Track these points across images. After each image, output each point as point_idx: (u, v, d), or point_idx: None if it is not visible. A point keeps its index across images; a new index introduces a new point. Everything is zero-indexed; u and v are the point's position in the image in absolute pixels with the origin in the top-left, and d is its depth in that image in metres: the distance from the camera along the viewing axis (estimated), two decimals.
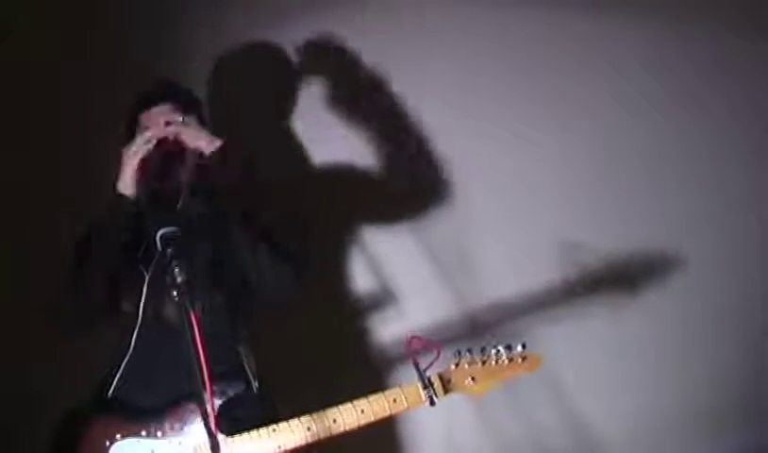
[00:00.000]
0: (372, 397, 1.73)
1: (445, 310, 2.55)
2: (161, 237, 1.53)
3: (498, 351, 1.74)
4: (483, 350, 1.74)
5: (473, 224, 2.57)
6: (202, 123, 2.00)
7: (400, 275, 2.54)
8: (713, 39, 2.63)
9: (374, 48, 2.44)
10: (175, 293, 1.48)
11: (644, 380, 2.68)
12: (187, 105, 1.97)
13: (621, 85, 2.61)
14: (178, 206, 1.91)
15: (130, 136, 1.90)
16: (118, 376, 1.84)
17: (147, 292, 1.83)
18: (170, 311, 1.78)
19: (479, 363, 1.73)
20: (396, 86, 2.47)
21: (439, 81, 2.51)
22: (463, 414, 2.48)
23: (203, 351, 1.44)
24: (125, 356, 1.85)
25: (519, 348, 1.75)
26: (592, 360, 2.61)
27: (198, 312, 1.47)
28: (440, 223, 2.54)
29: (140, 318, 1.83)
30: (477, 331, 2.54)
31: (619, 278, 2.61)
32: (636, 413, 2.68)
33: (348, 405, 1.73)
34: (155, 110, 1.91)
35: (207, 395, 1.44)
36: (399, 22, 2.46)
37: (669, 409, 2.70)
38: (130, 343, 1.84)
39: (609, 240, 2.63)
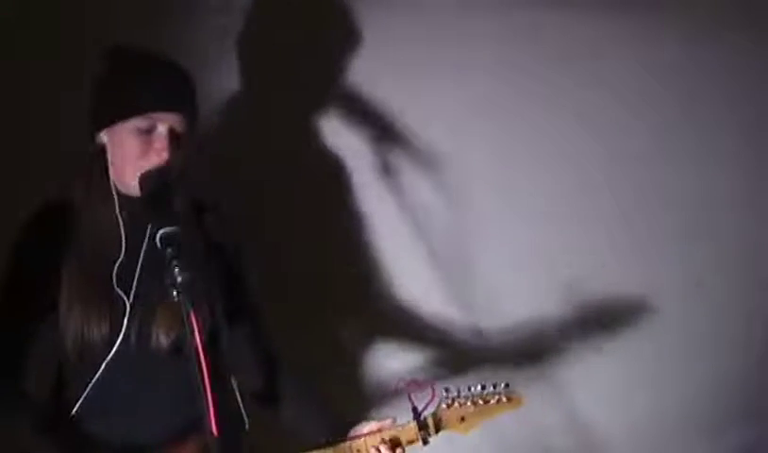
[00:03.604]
0: (369, 438, 1.76)
1: (445, 314, 2.55)
2: (161, 237, 1.52)
3: (484, 391, 1.80)
4: (469, 389, 1.80)
5: (475, 227, 2.57)
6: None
7: (402, 279, 2.54)
8: (714, 38, 2.63)
9: (372, 47, 2.44)
10: (175, 293, 1.46)
11: (645, 380, 2.68)
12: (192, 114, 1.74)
13: (622, 86, 2.62)
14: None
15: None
16: (80, 402, 1.69)
17: (130, 321, 1.67)
18: (161, 340, 1.70)
19: (469, 404, 1.79)
20: (395, 85, 2.47)
21: (439, 81, 2.51)
22: None
23: (203, 352, 1.44)
24: (88, 382, 1.67)
25: (502, 387, 1.81)
26: (593, 361, 2.61)
27: (198, 313, 1.46)
28: (442, 226, 2.54)
29: (114, 347, 1.67)
30: (479, 338, 2.55)
31: (620, 278, 2.61)
32: (637, 413, 2.68)
33: (344, 445, 1.76)
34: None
35: (207, 396, 1.43)
36: (398, 21, 2.46)
37: (670, 409, 2.70)
38: (96, 370, 1.67)
39: (610, 242, 2.63)
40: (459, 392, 1.79)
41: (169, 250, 1.49)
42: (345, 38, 2.41)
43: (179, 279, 1.46)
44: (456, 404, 1.78)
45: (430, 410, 1.78)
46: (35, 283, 1.69)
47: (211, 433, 1.44)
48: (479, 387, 1.79)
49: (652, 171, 2.68)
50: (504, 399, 1.80)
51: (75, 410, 1.69)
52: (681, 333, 2.72)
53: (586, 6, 2.53)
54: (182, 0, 2.23)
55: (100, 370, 1.67)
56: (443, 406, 1.79)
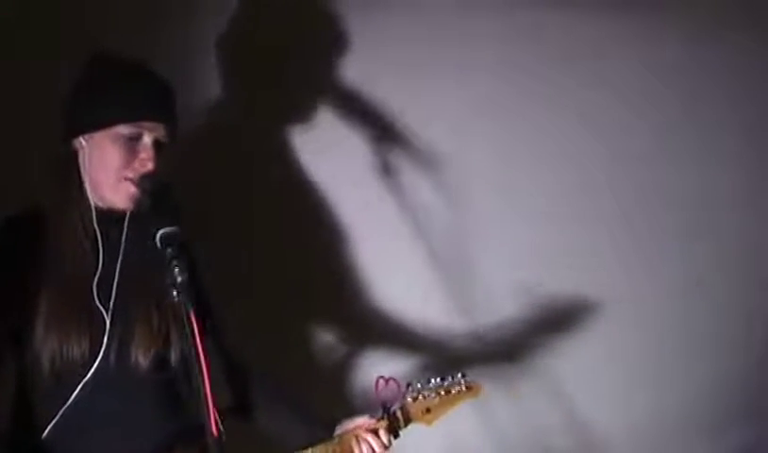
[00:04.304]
0: (342, 437, 1.81)
1: (445, 315, 2.55)
2: (161, 237, 1.51)
3: (444, 383, 1.88)
4: (429, 382, 1.88)
5: (475, 227, 2.56)
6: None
7: (401, 279, 2.54)
8: (716, 39, 2.63)
9: (373, 47, 2.44)
10: (175, 293, 1.46)
11: (646, 380, 2.68)
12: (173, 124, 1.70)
13: (624, 86, 2.61)
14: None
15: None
16: (53, 423, 1.62)
17: (110, 338, 1.63)
18: (140, 359, 1.66)
19: (433, 395, 1.87)
20: (395, 85, 2.46)
21: (440, 81, 2.51)
22: (464, 414, 2.47)
23: (204, 352, 1.44)
24: (62, 403, 1.61)
25: (460, 377, 1.89)
26: (594, 360, 2.61)
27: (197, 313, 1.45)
28: (442, 226, 2.54)
29: (96, 364, 1.62)
30: (477, 336, 2.55)
31: (623, 282, 2.61)
32: (637, 413, 2.68)
33: (320, 446, 1.80)
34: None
35: (207, 396, 1.43)
36: (398, 21, 2.45)
37: (670, 409, 2.70)
38: (72, 390, 1.61)
39: (611, 241, 2.63)
40: (421, 385, 1.87)
41: (169, 250, 1.49)
42: (343, 38, 2.41)
43: (179, 279, 1.46)
44: (420, 397, 1.86)
45: (397, 404, 1.86)
46: (4, 294, 1.62)
47: (211, 434, 1.44)
48: (439, 379, 1.88)
49: (653, 170, 2.68)
50: (464, 389, 1.89)
51: (46, 432, 1.62)
52: (681, 333, 2.72)
53: (588, 6, 2.53)
54: (181, 1, 2.22)
55: (77, 389, 1.61)
56: (409, 399, 1.86)
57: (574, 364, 2.61)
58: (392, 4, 2.43)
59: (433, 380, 1.88)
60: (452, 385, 1.88)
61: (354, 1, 2.40)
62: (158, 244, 1.51)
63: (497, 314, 2.57)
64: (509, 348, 2.56)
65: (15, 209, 1.70)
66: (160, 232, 1.52)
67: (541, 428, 2.63)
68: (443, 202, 2.53)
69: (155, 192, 1.62)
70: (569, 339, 2.58)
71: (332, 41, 2.42)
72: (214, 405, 1.43)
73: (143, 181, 1.63)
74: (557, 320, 2.57)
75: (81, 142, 1.66)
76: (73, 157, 1.68)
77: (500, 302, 2.56)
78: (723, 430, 2.78)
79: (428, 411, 1.87)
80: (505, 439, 2.59)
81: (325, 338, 2.48)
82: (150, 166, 1.64)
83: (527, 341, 2.57)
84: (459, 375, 1.89)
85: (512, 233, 2.59)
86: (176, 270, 1.47)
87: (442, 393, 1.87)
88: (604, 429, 2.68)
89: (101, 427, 1.64)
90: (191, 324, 1.44)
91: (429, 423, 1.88)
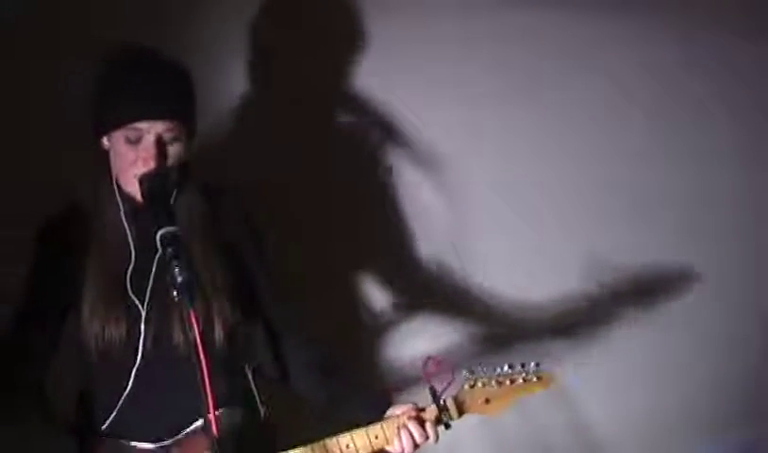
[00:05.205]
0: (385, 423, 1.70)
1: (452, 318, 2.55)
2: (161, 237, 1.52)
3: (511, 371, 1.71)
4: (495, 369, 1.70)
5: (474, 227, 2.56)
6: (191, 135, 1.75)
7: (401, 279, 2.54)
8: (714, 39, 2.63)
9: (373, 47, 2.44)
10: (175, 293, 1.47)
11: (646, 379, 2.68)
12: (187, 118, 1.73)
13: (623, 86, 2.62)
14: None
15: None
16: (114, 413, 1.72)
17: (146, 325, 1.70)
18: (177, 337, 1.70)
19: (494, 383, 1.69)
20: (395, 86, 2.47)
21: (439, 81, 2.51)
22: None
23: (203, 351, 1.44)
24: (120, 394, 1.71)
25: (532, 366, 1.72)
26: (594, 361, 2.61)
27: (197, 312, 1.47)
28: (442, 226, 2.54)
29: (139, 356, 1.70)
30: (479, 336, 2.55)
31: (623, 283, 2.61)
32: (637, 412, 2.68)
33: (361, 431, 1.69)
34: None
35: (206, 395, 1.43)
36: (397, 21, 2.45)
37: (670, 408, 2.70)
38: (128, 382, 1.70)
39: (612, 244, 2.63)
40: (483, 372, 1.69)
41: (169, 250, 1.50)
42: (348, 38, 2.41)
43: (179, 279, 1.46)
44: (479, 384, 1.69)
45: (451, 391, 1.69)
46: (54, 289, 1.73)
47: (211, 432, 1.44)
48: (507, 367, 1.70)
49: (652, 169, 2.68)
50: (534, 378, 1.70)
51: (106, 424, 1.72)
52: (682, 333, 2.72)
53: (585, 6, 2.54)
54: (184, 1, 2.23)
55: (130, 383, 1.69)
56: (466, 387, 1.70)
57: (573, 364, 2.61)
58: (391, 3, 2.43)
59: (498, 368, 1.69)
60: (518, 374, 1.69)
61: (355, 1, 2.41)
62: (158, 244, 1.51)
63: (499, 318, 2.57)
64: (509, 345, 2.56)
65: (12, 207, 1.71)
66: (160, 232, 1.52)
67: (540, 428, 2.63)
68: (443, 202, 2.53)
69: (153, 190, 1.63)
70: (568, 337, 2.58)
71: (332, 41, 2.42)
72: (214, 403, 1.43)
73: (144, 179, 1.64)
74: (556, 319, 2.57)
75: (104, 141, 1.73)
76: (105, 154, 1.74)
77: (500, 301, 2.56)
78: (723, 430, 2.77)
79: (488, 401, 1.69)
80: (504, 439, 2.59)
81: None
82: (151, 164, 1.65)
83: (528, 338, 2.57)
84: (532, 364, 1.70)
85: (512, 233, 2.59)
86: (176, 270, 1.47)
87: (507, 381, 1.68)
88: (604, 429, 2.68)
89: (140, 409, 1.70)
90: (191, 324, 1.44)
91: (490, 414, 1.70)
